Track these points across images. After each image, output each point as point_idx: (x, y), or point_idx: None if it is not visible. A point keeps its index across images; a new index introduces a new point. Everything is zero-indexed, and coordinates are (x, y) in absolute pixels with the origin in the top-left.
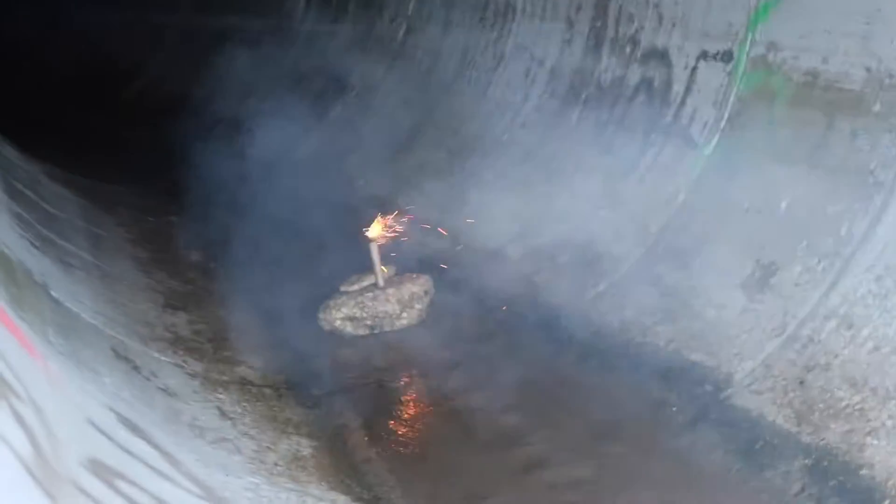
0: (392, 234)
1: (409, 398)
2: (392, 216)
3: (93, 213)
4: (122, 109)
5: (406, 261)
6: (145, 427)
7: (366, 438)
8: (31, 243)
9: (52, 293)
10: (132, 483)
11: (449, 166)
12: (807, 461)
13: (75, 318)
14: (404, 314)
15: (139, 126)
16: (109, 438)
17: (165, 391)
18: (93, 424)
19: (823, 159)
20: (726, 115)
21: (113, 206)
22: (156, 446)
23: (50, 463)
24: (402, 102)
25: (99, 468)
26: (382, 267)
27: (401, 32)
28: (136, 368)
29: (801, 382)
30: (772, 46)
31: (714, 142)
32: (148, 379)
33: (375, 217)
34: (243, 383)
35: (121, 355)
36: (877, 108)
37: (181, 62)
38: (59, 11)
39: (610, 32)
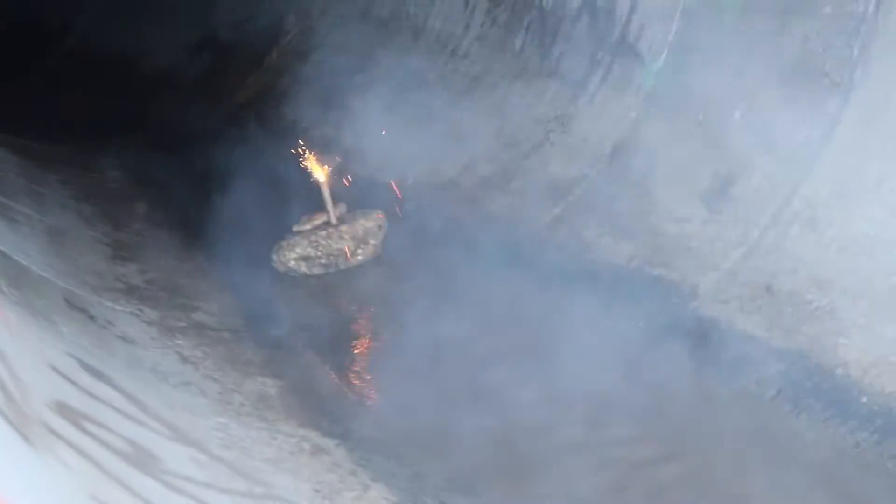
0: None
1: (369, 333)
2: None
3: (32, 171)
4: (53, 70)
5: (358, 196)
6: (108, 373)
7: (330, 374)
8: None
9: (0, 247)
10: (101, 425)
11: (392, 102)
12: (780, 365)
13: (25, 270)
14: (359, 251)
15: (71, 86)
16: (73, 383)
17: (124, 339)
18: (56, 370)
19: (776, 66)
20: (674, 29)
21: (53, 164)
22: (121, 390)
23: (19, 405)
24: (339, 42)
25: (66, 411)
26: (334, 204)
27: None
28: (91, 318)
29: (769, 288)
30: None
31: (663, 57)
32: (104, 328)
33: (314, 156)
34: (201, 328)
35: (75, 305)
36: (827, 10)
37: (109, 20)
38: None
39: None
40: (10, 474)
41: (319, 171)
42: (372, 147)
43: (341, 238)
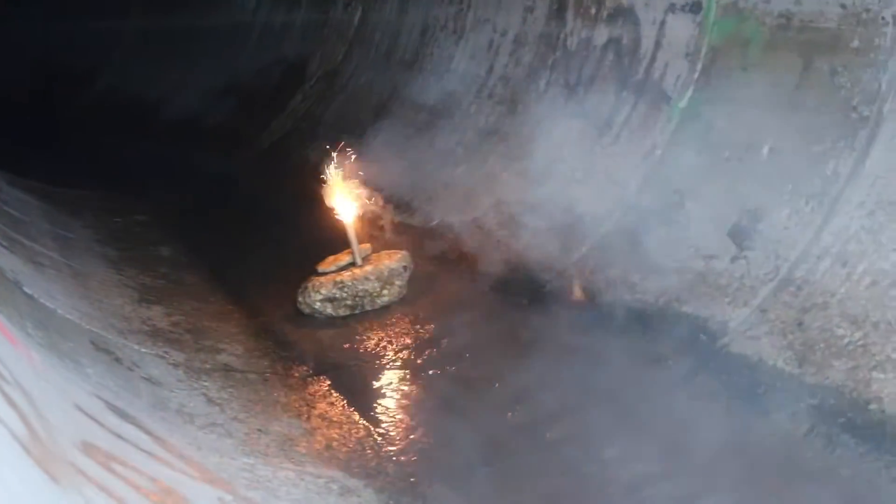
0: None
1: (395, 374)
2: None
3: (57, 216)
4: (79, 116)
5: (382, 239)
6: (134, 413)
7: (357, 415)
8: None
9: (26, 289)
10: (128, 466)
11: (417, 143)
12: (813, 401)
13: (51, 313)
14: (385, 291)
15: (96, 131)
16: (100, 424)
17: (150, 380)
18: (81, 410)
19: (803, 101)
20: (699, 67)
21: (77, 209)
22: (147, 431)
23: (45, 444)
24: (363, 85)
25: (92, 451)
26: (359, 245)
27: (357, 16)
28: (117, 360)
29: (800, 324)
30: None
31: (688, 94)
32: (131, 369)
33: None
34: (227, 370)
35: (101, 348)
36: (855, 43)
37: (136, 66)
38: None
39: None
40: None
41: (345, 212)
42: (396, 188)
43: (367, 279)
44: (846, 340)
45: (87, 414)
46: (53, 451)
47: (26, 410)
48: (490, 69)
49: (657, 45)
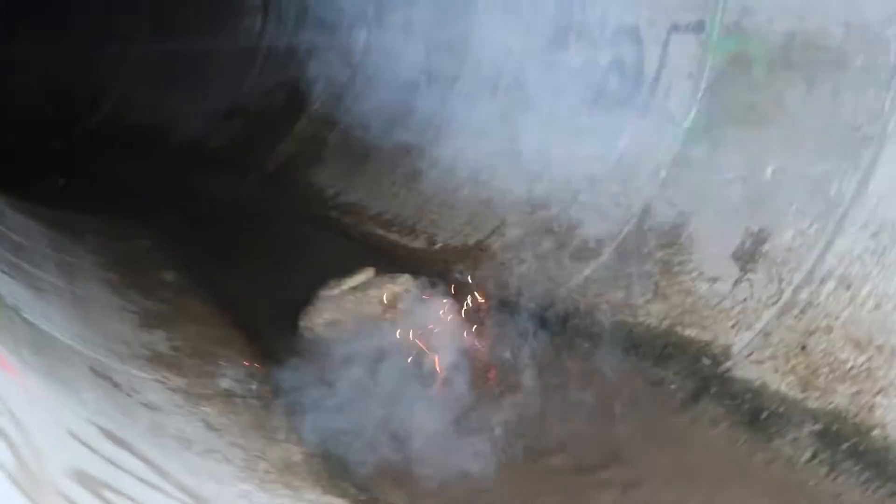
0: None
1: (397, 398)
2: None
3: (61, 241)
4: (83, 141)
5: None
6: (130, 440)
7: (357, 441)
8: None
9: (25, 315)
10: (120, 493)
11: (417, 166)
12: (816, 427)
13: (50, 338)
14: (387, 315)
15: (101, 156)
16: (93, 450)
17: (148, 406)
18: (75, 437)
19: (807, 120)
20: (703, 86)
21: (81, 234)
22: (142, 458)
23: (34, 473)
24: (367, 109)
25: (85, 479)
26: (362, 269)
27: (361, 41)
28: (116, 385)
29: (803, 348)
30: (745, 11)
31: (692, 114)
32: (129, 395)
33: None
34: (228, 395)
35: (100, 373)
36: (859, 62)
37: (140, 90)
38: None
39: (576, 16)
40: None
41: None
42: (398, 211)
43: (369, 303)
44: (850, 365)
45: (80, 441)
46: (42, 479)
47: (15, 438)
48: (494, 89)
49: (661, 65)
